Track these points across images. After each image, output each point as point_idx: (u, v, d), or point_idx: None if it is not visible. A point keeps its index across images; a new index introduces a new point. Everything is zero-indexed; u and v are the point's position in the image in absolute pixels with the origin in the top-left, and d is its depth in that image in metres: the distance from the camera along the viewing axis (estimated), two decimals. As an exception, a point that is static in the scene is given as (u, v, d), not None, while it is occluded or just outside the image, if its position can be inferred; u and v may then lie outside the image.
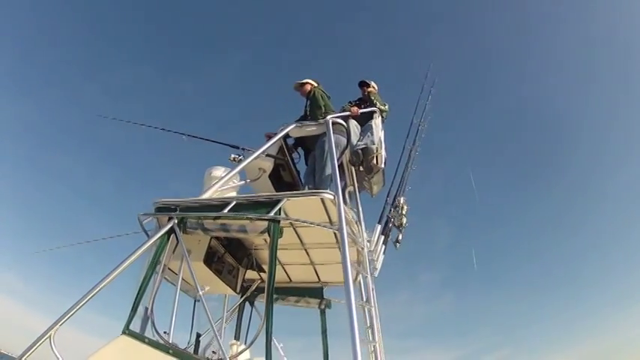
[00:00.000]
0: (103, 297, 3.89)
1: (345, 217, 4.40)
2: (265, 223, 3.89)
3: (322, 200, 4.11)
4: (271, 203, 4.02)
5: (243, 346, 4.69)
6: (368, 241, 4.65)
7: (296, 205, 4.22)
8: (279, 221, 3.87)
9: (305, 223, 4.23)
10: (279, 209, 3.95)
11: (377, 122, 5.12)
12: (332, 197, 4.06)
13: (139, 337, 3.53)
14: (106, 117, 6.65)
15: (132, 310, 3.70)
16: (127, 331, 3.53)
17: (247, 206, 4.11)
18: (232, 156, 5.10)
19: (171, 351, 3.44)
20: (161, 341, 3.73)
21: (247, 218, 4.01)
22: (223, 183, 4.62)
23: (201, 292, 3.91)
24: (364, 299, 5.20)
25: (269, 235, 3.83)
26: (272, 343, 5.42)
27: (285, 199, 4.02)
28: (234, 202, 4.14)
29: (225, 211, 4.08)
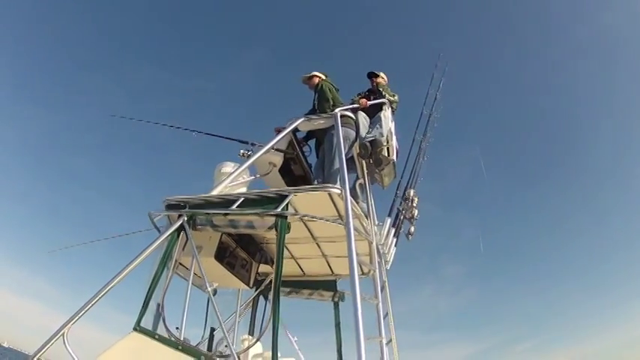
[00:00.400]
0: (118, 293, 3.99)
1: (354, 210, 4.39)
2: (273, 219, 3.91)
3: (330, 194, 4.10)
4: (278, 198, 4.02)
5: (259, 344, 4.72)
6: (377, 234, 4.62)
7: (304, 200, 4.21)
8: (286, 217, 3.87)
9: (314, 218, 4.24)
10: (287, 204, 3.96)
11: (386, 114, 5.05)
12: (339, 191, 4.04)
13: (150, 333, 3.59)
14: (118, 116, 6.72)
15: (143, 306, 3.76)
16: (138, 328, 3.60)
17: (255, 202, 4.12)
18: (242, 151, 5.10)
19: (180, 347, 3.49)
20: (172, 337, 3.81)
21: (255, 214, 4.02)
22: (233, 179, 4.64)
23: (209, 288, 3.95)
24: (379, 289, 5.21)
25: (276, 230, 3.84)
26: (287, 336, 5.59)
27: (293, 195, 4.02)
28: (242, 199, 4.15)
29: (234, 207, 4.10)
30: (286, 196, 4.00)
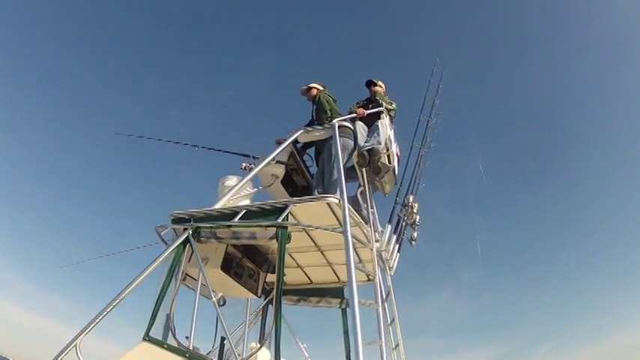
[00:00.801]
0: (128, 304, 4.15)
1: (354, 218, 4.52)
2: (274, 230, 4.05)
3: (329, 204, 4.22)
4: (279, 210, 4.17)
5: (264, 349, 4.84)
6: (377, 241, 4.71)
7: (304, 210, 4.35)
8: (286, 227, 4.01)
9: (314, 228, 4.37)
10: (287, 215, 4.10)
11: (384, 122, 5.16)
12: (337, 201, 4.16)
13: (159, 342, 3.74)
14: (124, 134, 6.95)
15: (151, 317, 3.92)
16: (147, 338, 3.75)
17: (256, 214, 4.27)
18: (243, 164, 5.26)
19: (187, 355, 3.62)
20: (180, 346, 3.96)
21: (256, 225, 4.17)
22: (235, 191, 4.80)
23: (214, 299, 4.08)
24: (381, 297, 5.30)
25: (277, 240, 3.98)
26: (297, 344, 5.70)
27: (292, 205, 4.16)
28: (244, 211, 4.31)
29: (236, 219, 4.26)
30: (286, 207, 4.15)
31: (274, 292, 3.88)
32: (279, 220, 4.04)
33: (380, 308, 3.79)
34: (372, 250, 4.27)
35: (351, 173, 5.39)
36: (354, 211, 4.44)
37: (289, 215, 4.23)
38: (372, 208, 5.42)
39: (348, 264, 3.63)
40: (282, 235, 3.98)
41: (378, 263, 5.03)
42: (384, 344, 3.51)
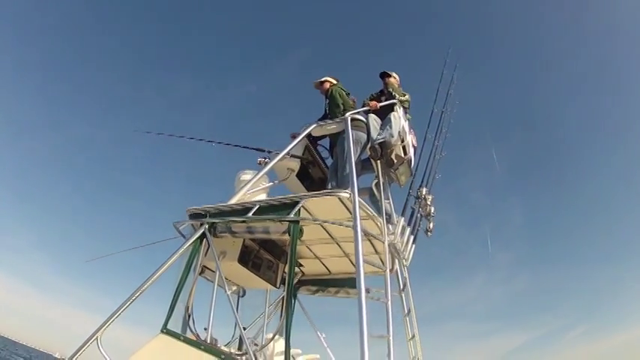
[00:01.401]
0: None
1: (367, 212, 4.55)
2: (287, 224, 4.14)
3: (340, 198, 4.27)
4: (291, 204, 4.25)
5: (282, 339, 4.95)
6: (392, 233, 4.73)
7: (317, 204, 4.42)
8: (298, 221, 4.09)
9: (326, 222, 4.43)
10: (299, 210, 4.17)
11: (396, 114, 5.12)
12: (348, 195, 4.20)
13: (175, 334, 3.90)
14: (140, 131, 7.15)
15: (169, 309, 4.09)
16: (164, 330, 3.92)
17: (269, 209, 4.37)
18: (259, 159, 5.34)
19: (202, 347, 3.77)
20: (198, 338, 4.11)
21: (269, 220, 4.27)
22: (251, 186, 4.89)
23: (228, 292, 4.21)
24: (401, 287, 5.32)
25: (289, 235, 4.07)
26: (316, 333, 5.79)
27: (304, 200, 4.23)
28: (257, 206, 4.41)
29: (250, 214, 4.36)
30: (298, 202, 4.22)
31: (286, 284, 3.98)
32: (291, 215, 4.12)
33: (389, 302, 3.81)
34: (383, 242, 4.29)
35: (366, 165, 5.40)
36: (365, 205, 4.47)
37: (303, 209, 4.32)
38: (387, 199, 5.43)
39: (356, 257, 3.68)
40: (294, 230, 4.07)
41: (394, 255, 5.08)
42: (391, 337, 3.55)
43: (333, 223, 4.35)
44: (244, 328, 5.54)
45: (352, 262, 5.77)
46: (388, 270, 4.07)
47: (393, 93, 5.39)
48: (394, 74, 5.77)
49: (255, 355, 3.81)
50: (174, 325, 4.10)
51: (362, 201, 4.39)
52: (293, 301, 6.37)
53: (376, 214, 4.62)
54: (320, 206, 4.44)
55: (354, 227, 3.90)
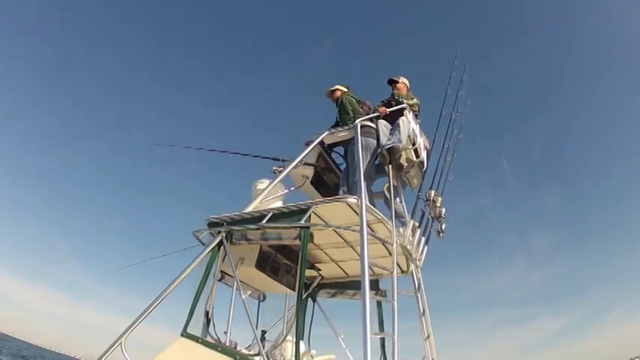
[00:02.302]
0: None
1: (376, 216, 4.69)
2: (298, 230, 4.33)
3: (348, 204, 4.42)
4: (302, 211, 4.45)
5: (301, 344, 5.11)
6: (401, 236, 4.84)
7: (328, 210, 4.60)
8: (308, 227, 4.28)
9: (335, 227, 4.61)
10: (309, 216, 4.36)
11: (404, 119, 5.23)
12: (356, 201, 4.35)
13: (194, 337, 4.14)
14: (162, 145, 7.48)
15: (189, 314, 4.33)
16: (184, 334, 4.16)
17: (282, 216, 4.57)
18: (274, 168, 5.56)
19: (219, 349, 3.99)
20: (213, 340, 4.34)
21: (282, 227, 4.47)
22: (267, 194, 5.11)
23: (243, 296, 4.42)
24: (416, 288, 5.42)
25: (300, 240, 4.26)
26: (335, 335, 5.94)
27: (314, 207, 4.41)
28: (271, 213, 4.62)
29: (264, 222, 4.58)
30: (308, 208, 4.41)
31: (296, 288, 4.16)
32: (302, 222, 4.31)
33: (395, 302, 3.94)
34: (392, 245, 4.41)
35: (379, 169, 5.54)
36: (374, 209, 4.62)
37: (315, 215, 4.50)
38: (401, 202, 5.55)
39: (362, 261, 3.83)
40: (305, 235, 4.26)
41: (407, 257, 5.19)
42: (396, 336, 3.67)
43: (342, 229, 4.52)
44: (265, 332, 5.77)
45: (369, 265, 5.90)
46: (395, 272, 4.19)
47: (400, 99, 5.51)
48: (402, 79, 5.87)
49: (268, 356, 3.99)
50: (195, 328, 4.34)
51: (370, 205, 4.55)
52: (307, 304, 6.62)
53: (386, 218, 4.75)
54: (331, 212, 4.61)
55: (361, 232, 4.04)
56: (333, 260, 5.86)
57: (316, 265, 5.96)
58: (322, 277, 6.26)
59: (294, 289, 5.68)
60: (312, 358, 5.35)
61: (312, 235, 4.34)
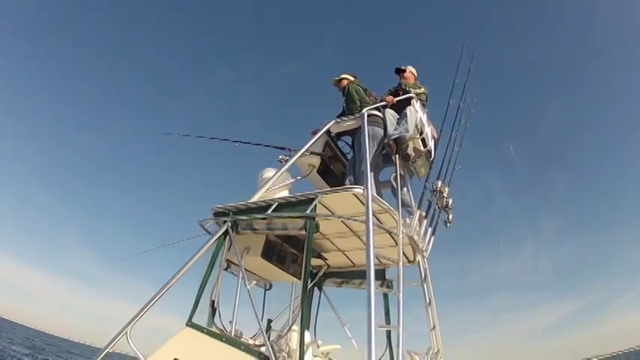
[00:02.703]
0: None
1: (382, 206, 4.65)
2: (303, 220, 4.31)
3: (354, 194, 4.39)
4: (308, 201, 4.42)
5: (307, 333, 5.12)
6: (408, 226, 4.80)
7: (334, 200, 4.56)
8: (314, 217, 4.26)
9: (341, 217, 4.58)
10: (314, 206, 4.33)
11: (411, 109, 5.16)
12: (362, 191, 4.31)
13: (199, 327, 4.16)
14: (175, 134, 7.48)
15: (194, 303, 4.35)
16: (189, 323, 4.18)
17: (287, 206, 4.55)
18: (280, 157, 5.53)
19: (224, 339, 4.00)
20: (218, 330, 4.36)
21: (287, 217, 4.46)
22: (272, 183, 5.09)
23: (248, 286, 4.42)
24: (422, 278, 5.40)
25: (305, 230, 4.24)
26: (340, 325, 5.95)
27: (320, 197, 4.38)
28: (276, 203, 4.60)
29: (269, 211, 4.56)
30: (314, 198, 4.38)
31: (302, 277, 4.15)
32: (308, 212, 4.29)
33: (400, 294, 3.92)
34: (398, 235, 4.39)
35: (387, 159, 5.50)
36: (380, 199, 4.57)
37: (320, 205, 4.48)
38: (408, 192, 5.51)
39: (367, 251, 3.79)
40: (310, 226, 4.25)
41: (414, 247, 5.17)
42: (401, 328, 3.66)
43: (347, 219, 4.50)
44: (271, 321, 5.79)
45: (375, 254, 5.88)
46: (401, 263, 4.16)
47: (407, 88, 5.44)
48: (409, 68, 5.79)
49: (272, 345, 4.00)
50: (200, 318, 4.36)
51: (376, 196, 4.51)
52: (313, 293, 6.62)
53: (393, 208, 4.71)
54: (337, 201, 4.58)
55: (367, 222, 4.01)
56: (339, 249, 5.84)
57: (323, 254, 5.95)
58: (329, 267, 6.26)
59: (300, 278, 5.69)
60: (318, 347, 5.36)
61: (317, 226, 4.33)
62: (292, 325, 4.90)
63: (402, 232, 4.46)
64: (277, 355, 4.14)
